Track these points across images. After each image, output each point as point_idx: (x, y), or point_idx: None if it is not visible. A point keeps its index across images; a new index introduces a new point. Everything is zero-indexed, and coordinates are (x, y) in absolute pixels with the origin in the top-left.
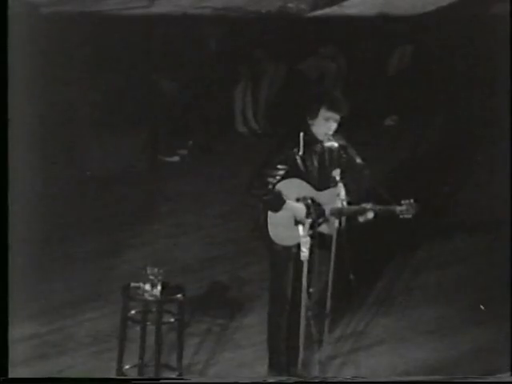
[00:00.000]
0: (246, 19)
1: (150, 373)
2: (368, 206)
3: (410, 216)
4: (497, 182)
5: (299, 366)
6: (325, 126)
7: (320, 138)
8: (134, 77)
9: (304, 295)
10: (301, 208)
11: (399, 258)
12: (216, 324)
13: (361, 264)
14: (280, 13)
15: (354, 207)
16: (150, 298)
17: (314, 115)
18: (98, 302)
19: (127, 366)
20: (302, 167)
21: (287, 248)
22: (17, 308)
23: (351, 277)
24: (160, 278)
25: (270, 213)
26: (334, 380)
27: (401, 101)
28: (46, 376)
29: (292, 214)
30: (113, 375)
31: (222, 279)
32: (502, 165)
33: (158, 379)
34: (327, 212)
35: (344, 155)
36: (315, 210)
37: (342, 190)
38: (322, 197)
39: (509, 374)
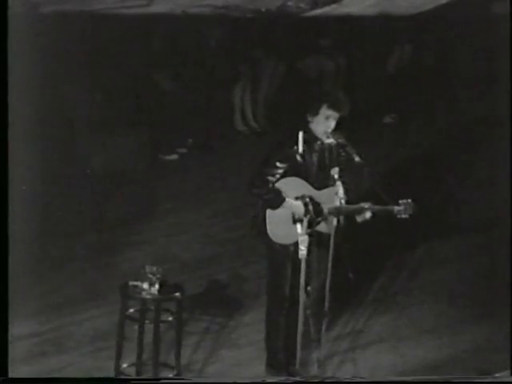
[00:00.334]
0: (245, 18)
1: (148, 371)
2: (366, 205)
3: (407, 216)
4: (497, 181)
5: (297, 364)
6: (324, 125)
7: (319, 136)
8: (134, 76)
9: (302, 294)
10: (299, 206)
11: (398, 257)
12: (214, 322)
13: (359, 262)
14: (279, 11)
15: (352, 206)
16: (149, 297)
17: (315, 113)
18: (97, 300)
19: (125, 365)
20: (301, 166)
21: (285, 246)
22: (16, 307)
23: (350, 275)
24: (158, 276)
25: (268, 211)
26: (333, 380)
27: (400, 99)
28: (46, 374)
29: (290, 212)
30: (111, 373)
31: (221, 278)
32: (502, 165)
33: (158, 379)
34: (325, 211)
35: (343, 153)
36: (314, 208)
37: (340, 188)
38: (321, 195)
39: (508, 373)
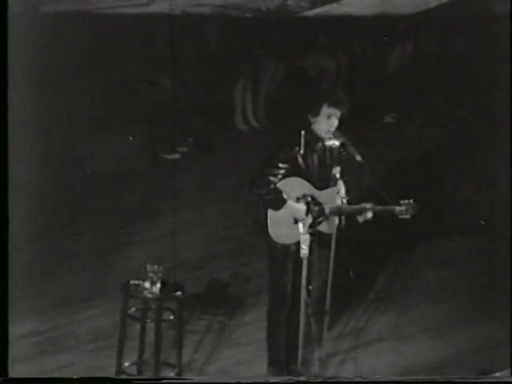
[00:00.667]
0: (245, 17)
1: (149, 370)
2: (367, 205)
3: (408, 216)
4: (497, 182)
5: (299, 363)
6: (327, 124)
7: (322, 135)
8: (134, 75)
9: (303, 293)
10: (301, 206)
11: (399, 256)
12: (216, 321)
13: (360, 262)
14: (279, 10)
15: (353, 206)
16: (150, 296)
17: (316, 113)
18: (98, 299)
19: (127, 364)
20: (302, 166)
21: (286, 246)
22: (17, 306)
23: (351, 274)
24: (160, 275)
25: (269, 211)
26: (335, 380)
27: (401, 98)
28: (46, 373)
29: (292, 212)
30: (112, 373)
31: (222, 276)
32: (502, 165)
33: (160, 379)
34: (327, 210)
35: (344, 153)
36: (315, 208)
37: (342, 187)
38: (323, 195)
39: (509, 372)
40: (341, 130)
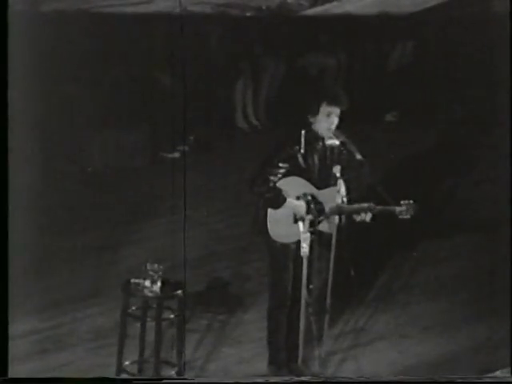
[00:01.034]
0: (245, 16)
1: (149, 369)
2: (367, 205)
3: (408, 217)
4: (497, 181)
5: (299, 362)
6: (327, 122)
7: (322, 134)
8: (135, 73)
9: (304, 291)
10: (301, 205)
11: (399, 255)
12: (216, 320)
13: (361, 261)
14: (280, 9)
15: (353, 206)
16: (150, 294)
17: (316, 112)
18: (98, 298)
19: (127, 362)
20: (303, 165)
21: (286, 245)
22: (17, 304)
23: (352, 273)
24: (160, 274)
25: (269, 210)
26: (336, 380)
27: (401, 97)
28: (46, 371)
29: (292, 211)
30: (113, 371)
31: (223, 275)
32: (502, 164)
33: (160, 379)
34: (327, 210)
35: (344, 152)
36: (316, 207)
37: (342, 186)
38: (323, 195)
39: (509, 371)
40: (341, 128)
